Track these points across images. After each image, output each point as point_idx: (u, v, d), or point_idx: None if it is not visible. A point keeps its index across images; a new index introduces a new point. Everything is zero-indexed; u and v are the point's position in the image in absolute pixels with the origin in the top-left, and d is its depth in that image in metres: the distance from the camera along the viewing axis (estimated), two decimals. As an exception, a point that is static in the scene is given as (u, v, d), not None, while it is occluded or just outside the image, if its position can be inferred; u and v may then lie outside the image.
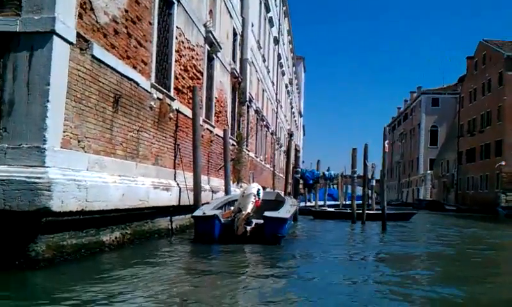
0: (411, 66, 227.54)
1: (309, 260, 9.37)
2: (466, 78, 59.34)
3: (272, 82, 35.06)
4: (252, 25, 23.62)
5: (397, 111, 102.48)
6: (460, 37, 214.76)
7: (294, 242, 11.90)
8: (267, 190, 18.72)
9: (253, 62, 24.28)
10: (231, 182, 18.99)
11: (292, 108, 58.67)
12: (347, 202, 30.57)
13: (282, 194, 18.11)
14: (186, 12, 12.33)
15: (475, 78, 54.76)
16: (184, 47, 12.39)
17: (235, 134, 19.81)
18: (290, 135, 53.78)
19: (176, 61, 11.81)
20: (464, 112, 58.60)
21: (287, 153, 20.93)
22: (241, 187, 20.27)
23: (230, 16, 18.36)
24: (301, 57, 78.75)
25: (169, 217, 11.43)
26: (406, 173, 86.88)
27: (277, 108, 37.92)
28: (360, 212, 19.76)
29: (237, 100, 19.96)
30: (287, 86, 48.56)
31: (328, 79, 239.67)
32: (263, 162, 29.94)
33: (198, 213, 10.32)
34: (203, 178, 14.68)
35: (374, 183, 28.07)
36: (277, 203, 13.24)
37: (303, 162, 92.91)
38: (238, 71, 19.99)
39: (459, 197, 58.61)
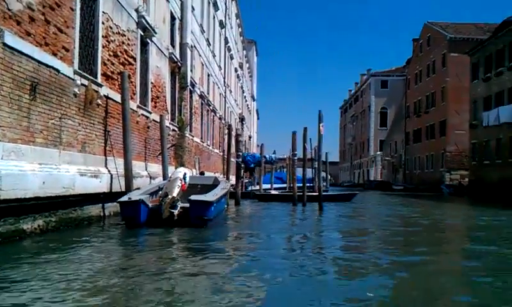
0: (364, 48, 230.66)
1: (229, 240, 9.65)
2: (412, 60, 60.88)
3: (220, 66, 35.01)
4: (193, 9, 23.50)
5: (348, 94, 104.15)
6: (410, 19, 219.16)
7: (223, 225, 12.10)
8: (207, 175, 18.80)
9: (195, 47, 24.20)
10: (173, 168, 19.10)
11: (243, 92, 58.71)
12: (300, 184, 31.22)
13: (221, 177, 18.21)
14: (114, -3, 12.24)
15: (421, 60, 56.21)
16: (113, 33, 12.29)
17: (176, 119, 19.78)
18: (242, 119, 54.26)
19: (104, 47, 11.72)
20: (411, 94, 60.16)
21: (228, 137, 21.03)
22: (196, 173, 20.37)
23: (167, 0, 18.24)
24: (253, 41, 78.72)
25: (101, 204, 11.42)
26: (358, 155, 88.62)
27: (225, 92, 37.91)
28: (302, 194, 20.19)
29: (177, 84, 19.88)
30: (236, 70, 48.56)
31: (283, 62, 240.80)
32: (210, 147, 29.99)
33: (123, 198, 10.36)
34: (140, 164, 14.71)
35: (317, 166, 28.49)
36: (214, 187, 13.41)
37: (258, 145, 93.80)
38: (178, 55, 19.91)
39: (407, 177, 60.35)
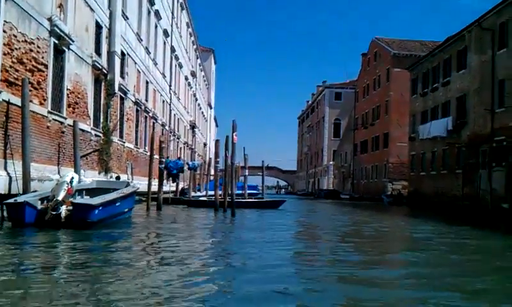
0: (323, 60, 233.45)
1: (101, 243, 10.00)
2: (360, 74, 62.68)
3: (164, 74, 35.53)
4: (127, 18, 24.06)
5: (305, 104, 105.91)
6: (366, 33, 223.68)
7: (112, 227, 12.24)
8: (122, 179, 19.21)
9: (129, 54, 24.74)
10: (95, 172, 19.54)
11: (196, 100, 59.25)
12: (251, 191, 32.10)
13: (133, 183, 18.42)
14: (20, 7, 12.71)
15: (368, 74, 57.97)
16: (18, 41, 12.75)
17: (101, 125, 20.23)
18: (193, 126, 54.78)
19: (6, 54, 12.18)
20: (359, 106, 61.89)
21: (150, 144, 21.52)
22: (110, 177, 20.79)
23: (91, 9, 18.74)
24: (211, 50, 79.44)
25: (-1, 206, 11.82)
26: (313, 164, 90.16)
27: (171, 99, 38.40)
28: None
29: (103, 91, 20.34)
30: (187, 78, 49.12)
31: (248, 70, 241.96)
32: (148, 153, 30.35)
33: (9, 200, 10.82)
34: (52, 168, 15.14)
35: (246, 173, 29.40)
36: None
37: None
38: (105, 63, 20.39)
39: (354, 187, 61.88)
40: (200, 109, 65.94)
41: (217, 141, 20.98)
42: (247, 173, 29.32)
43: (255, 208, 24.22)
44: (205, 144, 73.78)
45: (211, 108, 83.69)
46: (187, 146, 50.15)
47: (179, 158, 29.55)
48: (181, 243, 10.22)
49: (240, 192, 26.60)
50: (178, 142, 43.13)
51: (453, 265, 8.89)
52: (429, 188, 38.22)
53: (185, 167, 27.60)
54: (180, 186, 30.30)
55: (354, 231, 16.07)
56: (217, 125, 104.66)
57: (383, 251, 10.80)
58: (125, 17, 23.85)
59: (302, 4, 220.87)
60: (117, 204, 12.89)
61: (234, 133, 18.38)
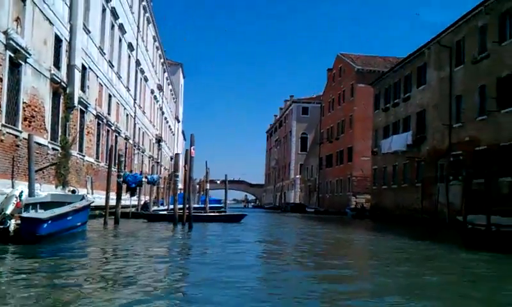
0: (289, 75, 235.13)
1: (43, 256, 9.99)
2: (326, 89, 63.63)
3: (128, 88, 35.41)
4: (88, 32, 24.00)
5: (274, 118, 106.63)
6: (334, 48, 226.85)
7: (63, 241, 12.16)
8: (80, 193, 19.06)
9: (90, 68, 24.65)
10: (52, 186, 19.35)
11: (163, 113, 59.08)
12: (214, 205, 32.28)
13: (89, 197, 18.34)
14: (-28, 19, 12.65)
15: (333, 89, 58.93)
16: (-30, 54, 12.67)
17: (59, 139, 20.07)
18: (158, 140, 54.56)
19: (-44, 67, 12.08)
20: (325, 121, 62.76)
21: (109, 158, 21.42)
22: (68, 191, 20.60)
23: (50, 22, 18.67)
24: (179, 63, 79.51)
25: None
26: (280, 178, 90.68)
27: (135, 113, 38.25)
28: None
29: (61, 105, 20.21)
30: (153, 92, 48.98)
31: (217, 84, 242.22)
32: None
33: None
34: (5, 181, 14.97)
35: (208, 187, 29.52)
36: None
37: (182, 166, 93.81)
38: (64, 76, 20.29)
39: (320, 200, 62.48)
40: (167, 122, 65.74)
41: (176, 155, 21.08)
42: (208, 187, 29.42)
43: (216, 221, 24.35)
44: (171, 158, 73.48)
45: (179, 122, 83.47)
46: (153, 159, 49.89)
47: (141, 173, 29.43)
48: (130, 260, 10.25)
49: (202, 206, 26.76)
50: (143, 156, 42.89)
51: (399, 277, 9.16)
52: (391, 202, 38.96)
53: (145, 181, 27.51)
54: (143, 200, 30.20)
55: (303, 242, 16.32)
56: (185, 139, 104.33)
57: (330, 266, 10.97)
58: (87, 31, 23.78)
59: (272, 18, 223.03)
60: (69, 218, 12.82)
61: (192, 147, 18.51)
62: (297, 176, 78.12)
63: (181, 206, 31.42)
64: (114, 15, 29.68)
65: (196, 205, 29.90)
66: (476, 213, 23.14)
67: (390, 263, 11.35)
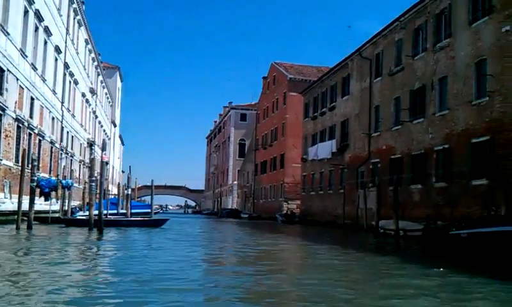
0: (229, 81, 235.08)
1: None
2: (261, 97, 64.70)
3: (54, 91, 34.90)
4: (7, 34, 23.69)
5: (213, 124, 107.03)
6: (273, 57, 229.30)
7: None
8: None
9: (9, 70, 24.30)
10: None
11: (96, 117, 58.25)
12: (141, 210, 32.29)
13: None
14: None
15: (268, 96, 60.03)
16: None
17: (-30, 142, 19.73)
18: (90, 144, 53.78)
19: None
20: (260, 128, 63.78)
21: (22, 162, 21.13)
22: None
23: (-40, 24, 18.41)
24: (116, 67, 78.72)
25: None
26: (219, 183, 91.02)
27: (62, 117, 37.68)
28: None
29: (-27, 108, 19.88)
30: (84, 95, 48.29)
31: (159, 89, 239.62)
32: (29, 171, 29.66)
33: None
34: None
35: (129, 192, 29.62)
36: None
37: (123, 171, 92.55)
38: (-24, 79, 19.99)
39: (255, 206, 63.30)
40: (102, 126, 64.83)
41: (92, 160, 21.06)
42: (129, 192, 29.49)
43: (137, 226, 24.58)
44: (107, 163, 72.38)
45: (115, 126, 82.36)
46: (84, 164, 49.16)
47: (64, 177, 29.13)
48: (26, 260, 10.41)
49: (124, 211, 26.91)
50: (71, 160, 42.23)
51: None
52: (318, 207, 40.15)
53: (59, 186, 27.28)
54: (72, 205, 29.92)
55: (205, 244, 16.76)
56: (123, 143, 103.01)
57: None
58: (6, 33, 23.48)
59: (212, 25, 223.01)
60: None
61: (103, 153, 18.68)
62: (235, 182, 78.79)
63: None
64: (39, 17, 29.30)
65: (123, 211, 29.95)
66: (391, 218, 24.54)
67: (283, 269, 11.93)
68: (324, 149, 38.02)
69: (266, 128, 59.95)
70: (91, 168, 21.28)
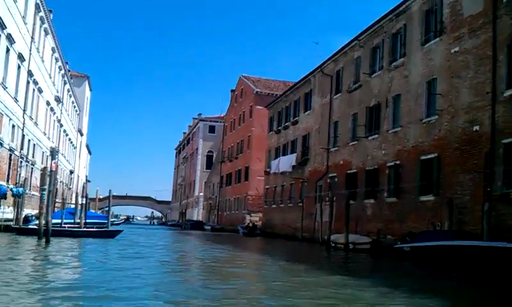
0: (198, 92, 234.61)
1: None
2: (229, 109, 65.20)
3: (15, 99, 34.64)
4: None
5: (183, 135, 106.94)
6: (242, 70, 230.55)
7: None
8: None
9: (-34, 77, 24.18)
10: None
11: (61, 126, 57.70)
12: (98, 221, 32.19)
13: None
14: None
15: (235, 109, 60.58)
16: None
17: None
18: (52, 153, 53.22)
19: None
20: (227, 140, 64.23)
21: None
22: None
23: None
24: (85, 76, 78.11)
25: None
26: (186, 195, 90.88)
27: (24, 124, 37.34)
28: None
29: None
30: (49, 103, 47.88)
31: (128, 99, 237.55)
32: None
33: None
34: None
35: (84, 202, 29.67)
36: None
37: (89, 181, 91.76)
38: None
39: (219, 218, 63.49)
40: (67, 135, 64.22)
41: (44, 169, 21.06)
42: (84, 202, 29.53)
43: (89, 237, 24.72)
44: (71, 172, 71.67)
45: (82, 135, 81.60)
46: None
47: (21, 185, 28.91)
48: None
49: (78, 221, 26.98)
50: (32, 168, 41.75)
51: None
52: (279, 220, 40.63)
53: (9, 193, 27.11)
54: (30, 213, 29.67)
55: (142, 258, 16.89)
56: (90, 153, 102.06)
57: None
58: (-38, 39, 23.38)
59: (183, 36, 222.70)
60: None
61: (53, 161, 18.76)
62: (201, 194, 78.82)
63: (57, 220, 31.45)
64: (1, 24, 29.17)
65: (77, 220, 29.86)
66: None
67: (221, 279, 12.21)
68: (286, 162, 38.62)
69: (232, 140, 60.41)
70: (42, 177, 21.23)
